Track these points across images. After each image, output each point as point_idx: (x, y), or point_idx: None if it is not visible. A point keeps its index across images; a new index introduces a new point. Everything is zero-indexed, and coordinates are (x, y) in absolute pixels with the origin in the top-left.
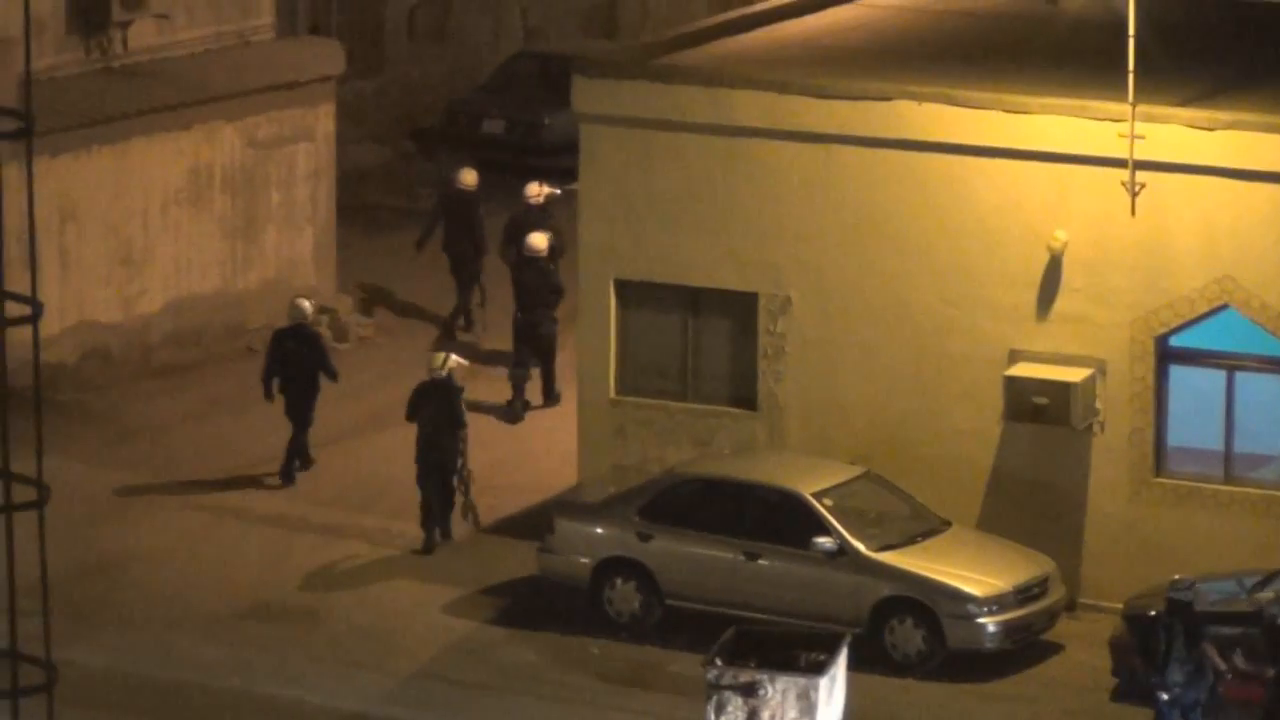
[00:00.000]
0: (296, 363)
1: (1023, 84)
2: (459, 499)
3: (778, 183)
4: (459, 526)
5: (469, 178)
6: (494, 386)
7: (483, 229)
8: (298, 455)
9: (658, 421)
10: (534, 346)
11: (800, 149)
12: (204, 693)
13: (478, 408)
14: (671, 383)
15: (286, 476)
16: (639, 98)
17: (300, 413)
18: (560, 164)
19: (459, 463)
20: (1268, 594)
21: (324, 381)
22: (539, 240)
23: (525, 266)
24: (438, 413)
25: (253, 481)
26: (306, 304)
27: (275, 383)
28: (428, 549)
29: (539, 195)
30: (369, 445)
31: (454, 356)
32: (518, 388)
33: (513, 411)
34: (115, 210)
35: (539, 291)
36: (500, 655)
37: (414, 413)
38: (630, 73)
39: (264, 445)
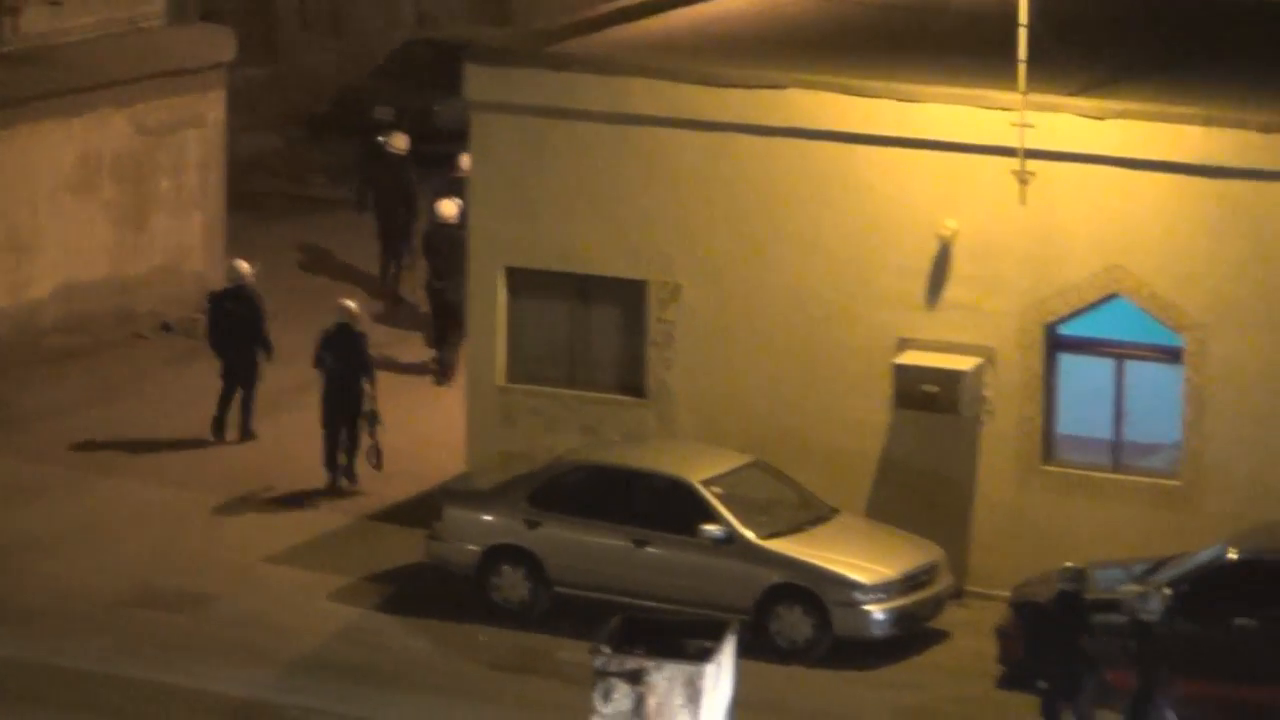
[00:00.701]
0: (236, 324)
1: (914, 73)
2: (365, 441)
3: (669, 171)
4: (362, 468)
5: (400, 142)
6: (410, 349)
7: (415, 190)
8: (245, 416)
9: (546, 409)
10: (439, 313)
11: (693, 137)
12: (93, 680)
13: (392, 365)
14: (560, 370)
15: (218, 432)
16: (531, 85)
17: (246, 373)
18: (451, 150)
19: (366, 406)
20: (1132, 588)
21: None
22: (449, 207)
23: (436, 233)
24: (344, 358)
25: (143, 467)
26: (245, 265)
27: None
28: (331, 488)
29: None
30: (260, 432)
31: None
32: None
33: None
34: (3, 196)
35: (450, 258)
36: (388, 642)
37: (320, 358)
38: (522, 60)
39: (154, 431)
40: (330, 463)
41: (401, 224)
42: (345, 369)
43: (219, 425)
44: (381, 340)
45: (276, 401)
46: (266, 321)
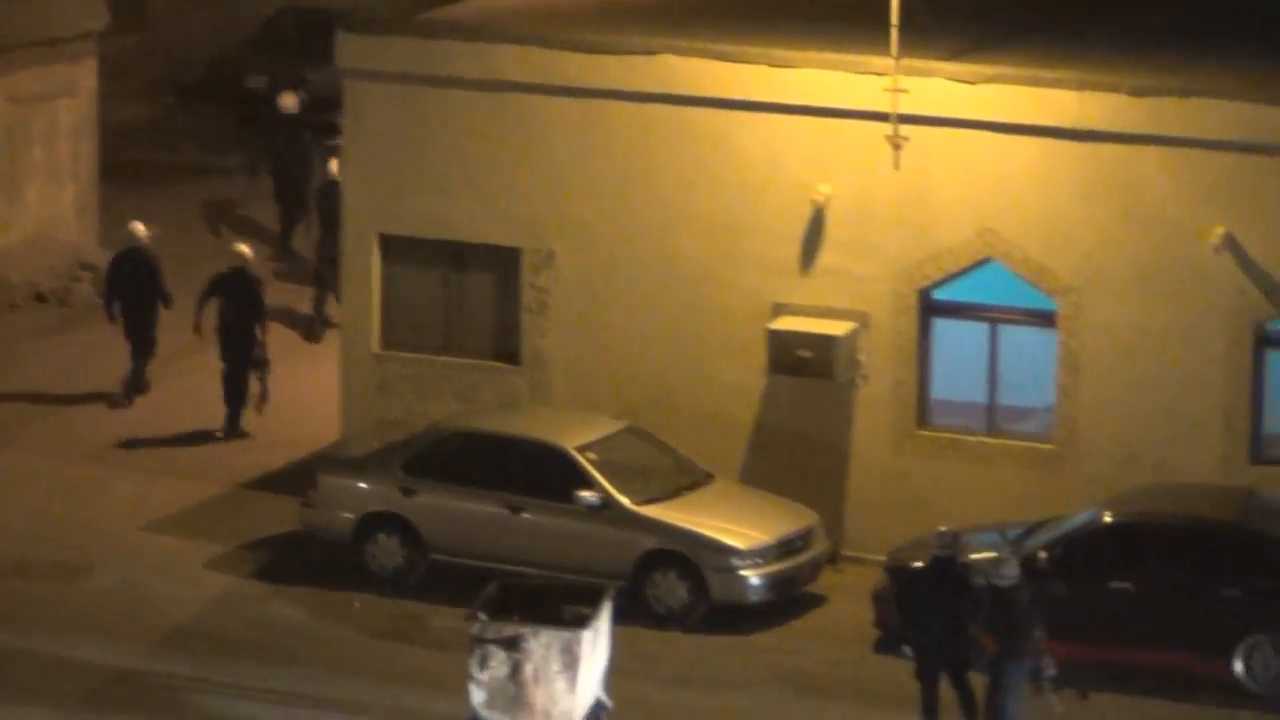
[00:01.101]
0: (133, 285)
1: (788, 39)
2: (255, 386)
3: (542, 138)
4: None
5: (289, 100)
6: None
7: (309, 148)
8: (137, 378)
9: (421, 376)
10: (323, 271)
11: (565, 104)
12: None
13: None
14: (435, 337)
15: (129, 394)
16: (402, 53)
17: (141, 334)
18: (323, 119)
19: (256, 352)
20: (986, 554)
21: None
22: (243, 248)
23: (327, 193)
24: (238, 302)
25: (17, 437)
26: (140, 226)
27: (116, 306)
28: (229, 435)
29: None
30: (137, 401)
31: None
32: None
33: (312, 329)
34: None
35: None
36: (263, 611)
37: (207, 299)
38: (393, 28)
39: (28, 400)
40: (230, 398)
41: (295, 182)
42: (239, 313)
43: (134, 385)
44: (282, 299)
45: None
46: (163, 279)
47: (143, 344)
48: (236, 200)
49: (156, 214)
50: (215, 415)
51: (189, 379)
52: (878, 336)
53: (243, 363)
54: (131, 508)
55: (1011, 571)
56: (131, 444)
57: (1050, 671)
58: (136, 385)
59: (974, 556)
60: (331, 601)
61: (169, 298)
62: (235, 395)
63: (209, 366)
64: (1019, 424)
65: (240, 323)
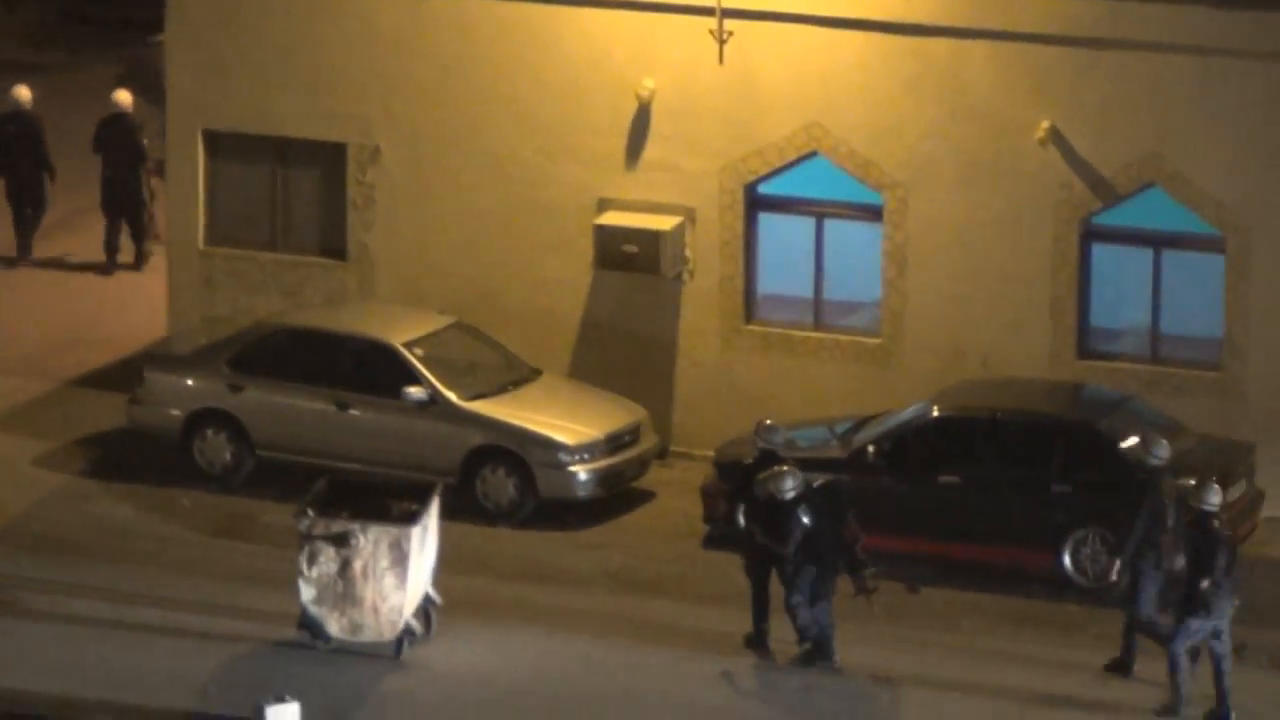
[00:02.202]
0: (18, 148)
1: None
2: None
3: (366, 32)
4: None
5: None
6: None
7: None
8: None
9: (247, 273)
10: (113, 201)
11: None
12: None
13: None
14: (261, 234)
15: (24, 250)
16: None
17: (31, 194)
18: (147, 15)
19: (145, 196)
20: (765, 473)
21: None
22: (124, 96)
23: (110, 123)
24: (119, 148)
25: None
26: (25, 90)
27: None
28: (108, 270)
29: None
30: None
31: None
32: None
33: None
34: None
35: (122, 147)
36: (92, 508)
37: (98, 146)
38: None
39: None
40: (109, 247)
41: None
42: (119, 158)
43: (22, 247)
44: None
45: None
46: (46, 144)
47: (33, 206)
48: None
49: None
50: (44, 311)
51: (15, 276)
52: (704, 231)
53: (133, 206)
54: None
55: (788, 484)
56: None
57: (869, 571)
58: (21, 245)
59: (761, 477)
60: (160, 499)
61: (51, 168)
62: (139, 229)
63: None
64: (846, 319)
65: (121, 169)
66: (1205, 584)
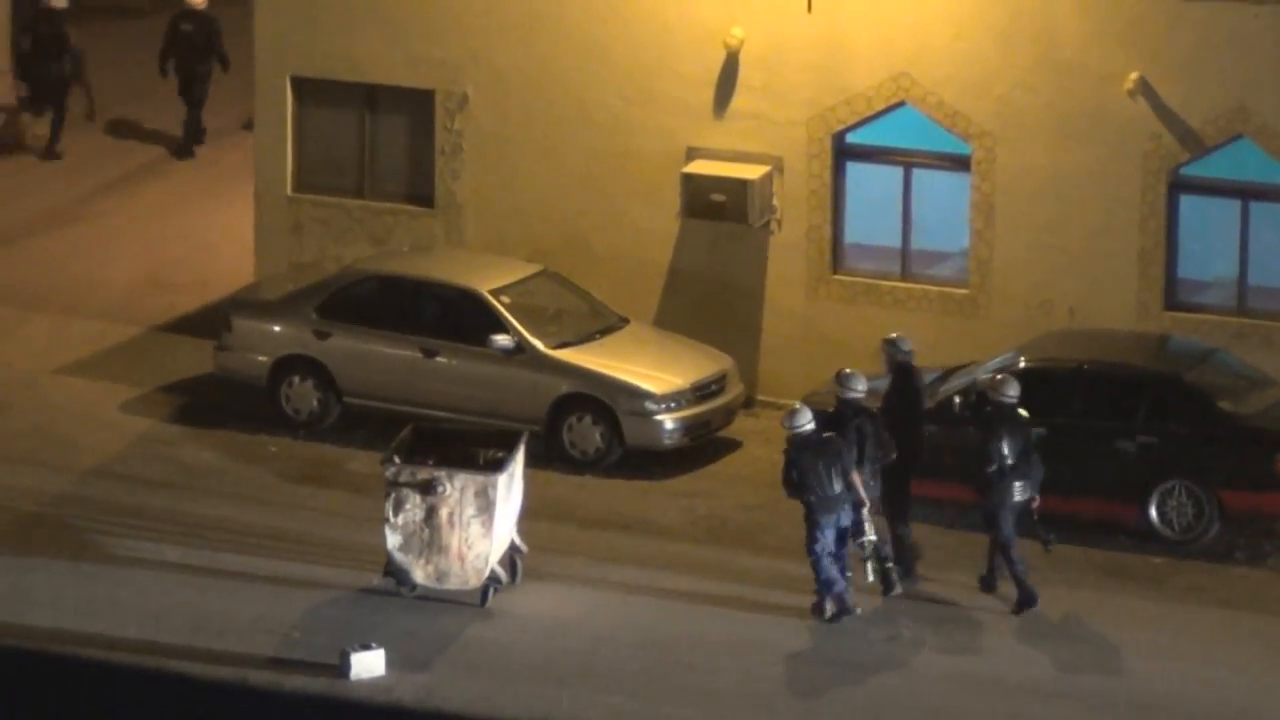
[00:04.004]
0: (191, 44)
1: None
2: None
3: None
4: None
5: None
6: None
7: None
8: (195, 133)
9: (335, 219)
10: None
11: None
12: None
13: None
14: (349, 180)
15: (184, 153)
16: None
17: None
18: None
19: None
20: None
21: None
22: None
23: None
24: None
25: None
26: None
27: (171, 63)
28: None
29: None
30: (46, 243)
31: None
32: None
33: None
34: None
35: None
36: (179, 453)
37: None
38: None
39: None
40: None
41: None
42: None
43: (193, 136)
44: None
45: (63, 213)
46: (222, 40)
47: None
48: None
49: None
50: (132, 256)
51: (103, 223)
52: (792, 181)
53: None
54: (44, 350)
55: (802, 420)
56: (44, 286)
57: (868, 537)
58: (195, 135)
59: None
60: (246, 445)
61: (227, 60)
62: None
63: (120, 212)
64: (933, 269)
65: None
66: (992, 468)
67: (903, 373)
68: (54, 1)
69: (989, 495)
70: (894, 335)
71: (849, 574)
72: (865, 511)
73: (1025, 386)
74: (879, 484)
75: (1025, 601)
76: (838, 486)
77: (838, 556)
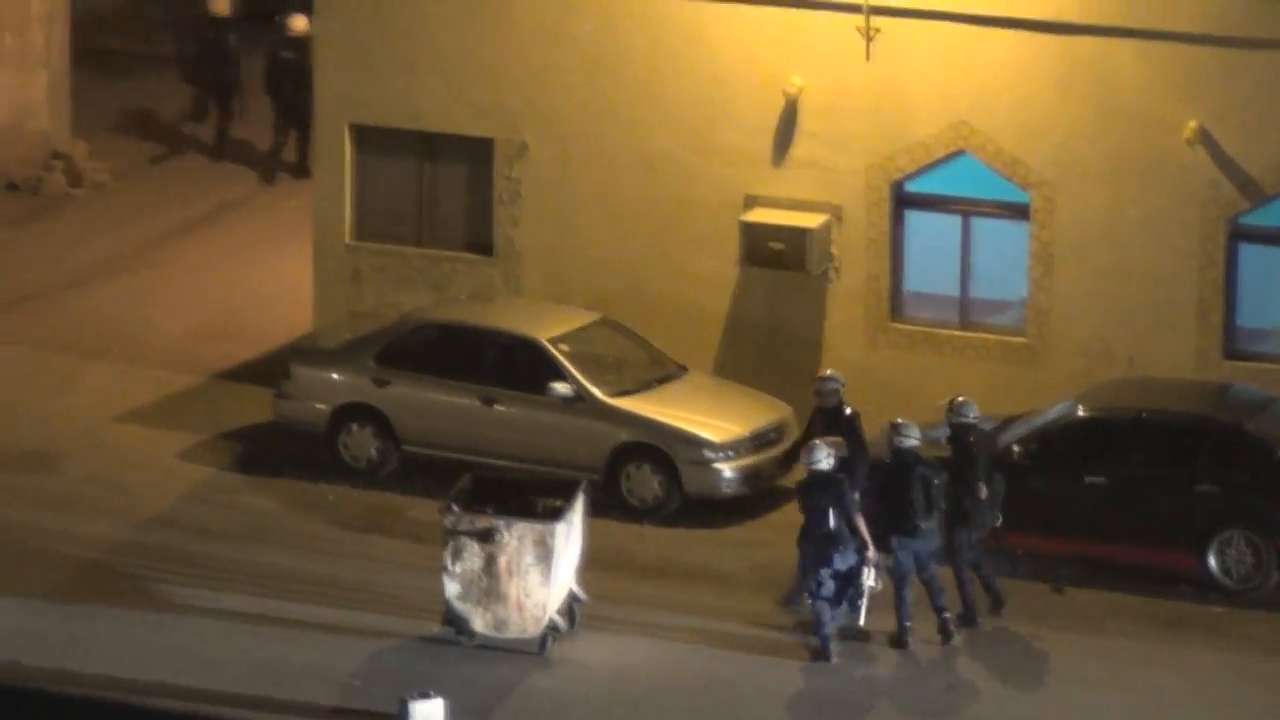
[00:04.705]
0: (291, 71)
1: None
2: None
3: (514, 27)
4: None
5: (220, 4)
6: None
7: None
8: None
9: (394, 267)
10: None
11: None
12: None
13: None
14: (408, 228)
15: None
16: None
17: (222, 96)
18: (298, 10)
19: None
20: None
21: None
22: (300, 22)
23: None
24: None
25: None
26: (301, 20)
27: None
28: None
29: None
30: (105, 291)
31: None
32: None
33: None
34: None
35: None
36: (238, 501)
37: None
38: None
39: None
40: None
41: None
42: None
43: (218, 144)
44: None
45: (116, 261)
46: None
47: (220, 104)
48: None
49: (127, 103)
50: (191, 304)
51: (162, 270)
52: (851, 229)
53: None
54: (103, 398)
55: (820, 456)
56: (104, 334)
57: (868, 582)
58: (218, 137)
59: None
60: (305, 493)
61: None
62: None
63: (184, 258)
64: (992, 317)
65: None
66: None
67: (962, 433)
68: (217, 8)
69: (969, 524)
70: (959, 399)
71: (836, 620)
72: (868, 555)
73: (1084, 435)
74: (943, 535)
75: (969, 619)
76: (833, 526)
77: (835, 600)
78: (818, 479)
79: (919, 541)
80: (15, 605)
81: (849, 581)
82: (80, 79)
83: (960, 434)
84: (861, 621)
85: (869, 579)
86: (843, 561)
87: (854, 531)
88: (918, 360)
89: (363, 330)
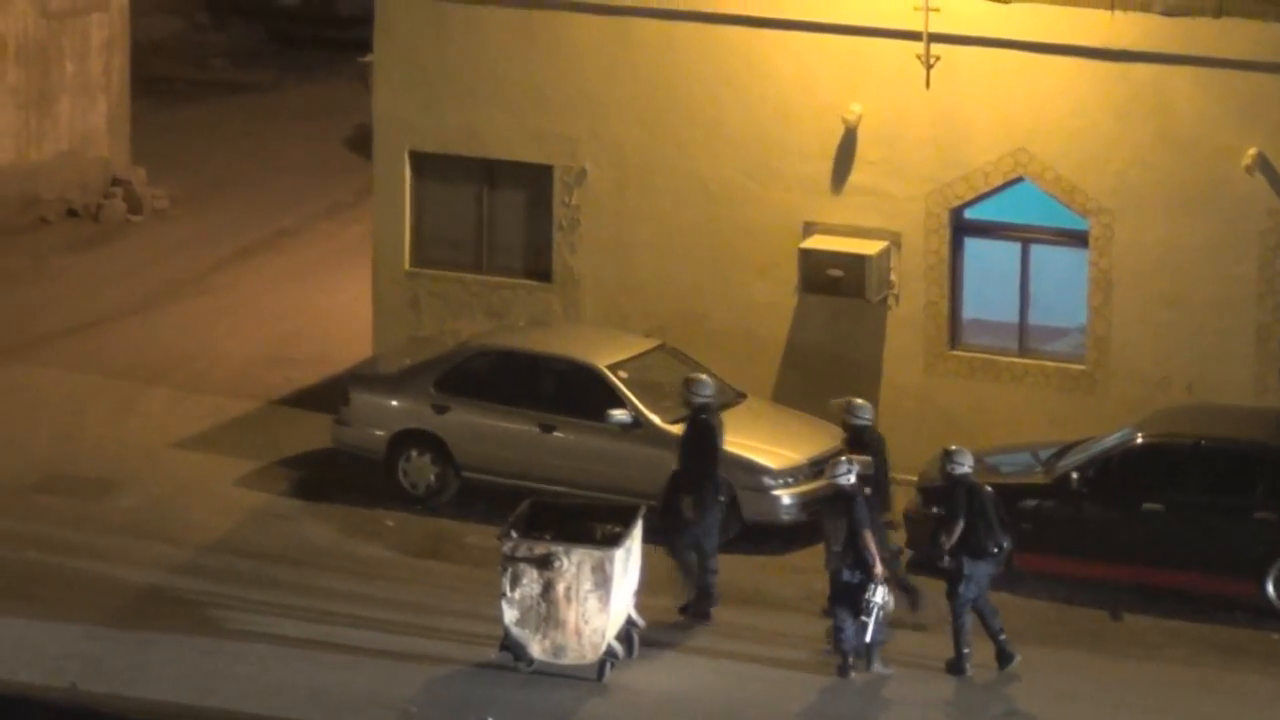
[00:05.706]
0: None
1: None
2: None
3: (573, 54)
4: None
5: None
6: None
7: None
8: None
9: (452, 294)
10: None
11: (595, 21)
12: None
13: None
14: (466, 254)
15: None
16: None
17: None
18: (354, 36)
19: None
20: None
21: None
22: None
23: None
24: None
25: (47, 353)
26: None
27: None
28: None
29: None
30: (164, 317)
31: None
32: None
33: None
34: None
35: None
36: (295, 528)
37: None
38: None
39: (59, 316)
40: None
41: None
42: None
43: None
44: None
45: (176, 288)
46: None
47: None
48: (251, 123)
49: (187, 130)
50: (250, 330)
51: (221, 296)
52: (909, 256)
53: None
54: (162, 424)
55: (845, 470)
56: (162, 360)
57: (875, 600)
58: None
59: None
60: (364, 520)
61: None
62: None
63: (243, 284)
64: (1051, 344)
65: None
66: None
67: (859, 434)
68: None
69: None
70: (855, 400)
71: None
72: (875, 573)
73: (1142, 462)
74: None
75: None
76: (836, 543)
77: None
78: (834, 493)
79: (988, 564)
80: (74, 630)
81: (854, 597)
82: (139, 106)
83: (857, 435)
84: (868, 638)
85: (876, 596)
86: (851, 576)
87: (860, 548)
88: (976, 387)
89: (421, 357)
